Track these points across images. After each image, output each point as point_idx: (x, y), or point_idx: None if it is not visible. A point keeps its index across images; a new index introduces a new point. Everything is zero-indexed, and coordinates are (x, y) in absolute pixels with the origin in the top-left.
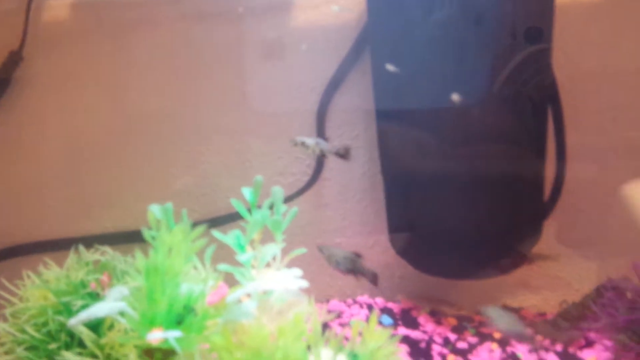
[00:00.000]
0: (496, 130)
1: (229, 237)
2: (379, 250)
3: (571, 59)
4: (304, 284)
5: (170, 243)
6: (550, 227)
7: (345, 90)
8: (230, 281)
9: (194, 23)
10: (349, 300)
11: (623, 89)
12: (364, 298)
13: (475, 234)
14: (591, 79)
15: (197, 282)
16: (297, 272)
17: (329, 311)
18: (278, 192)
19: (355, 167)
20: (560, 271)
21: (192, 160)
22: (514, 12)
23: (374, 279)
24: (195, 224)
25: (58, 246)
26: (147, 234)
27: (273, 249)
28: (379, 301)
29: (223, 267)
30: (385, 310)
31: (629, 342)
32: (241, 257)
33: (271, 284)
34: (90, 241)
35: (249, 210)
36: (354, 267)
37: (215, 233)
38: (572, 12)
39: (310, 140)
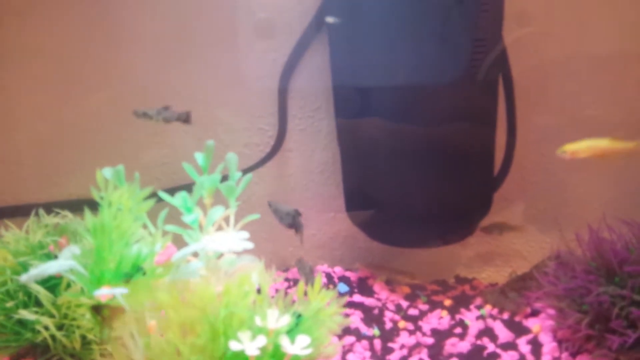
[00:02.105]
0: (449, 107)
1: (175, 198)
2: (340, 220)
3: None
4: (249, 245)
5: (117, 202)
6: (505, 200)
7: (307, 63)
8: (182, 245)
9: None
10: None
11: (581, 74)
12: (324, 267)
13: (427, 206)
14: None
15: (146, 242)
16: (244, 234)
17: (287, 279)
18: (232, 158)
19: (318, 139)
20: (514, 244)
21: (158, 130)
22: None
23: (299, 228)
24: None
25: (22, 212)
26: (95, 194)
27: (219, 211)
28: (338, 270)
29: (171, 227)
30: (342, 279)
31: (567, 309)
32: (187, 218)
33: (215, 245)
34: (53, 207)
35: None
36: (293, 222)
37: (161, 194)
38: None
39: (152, 111)
